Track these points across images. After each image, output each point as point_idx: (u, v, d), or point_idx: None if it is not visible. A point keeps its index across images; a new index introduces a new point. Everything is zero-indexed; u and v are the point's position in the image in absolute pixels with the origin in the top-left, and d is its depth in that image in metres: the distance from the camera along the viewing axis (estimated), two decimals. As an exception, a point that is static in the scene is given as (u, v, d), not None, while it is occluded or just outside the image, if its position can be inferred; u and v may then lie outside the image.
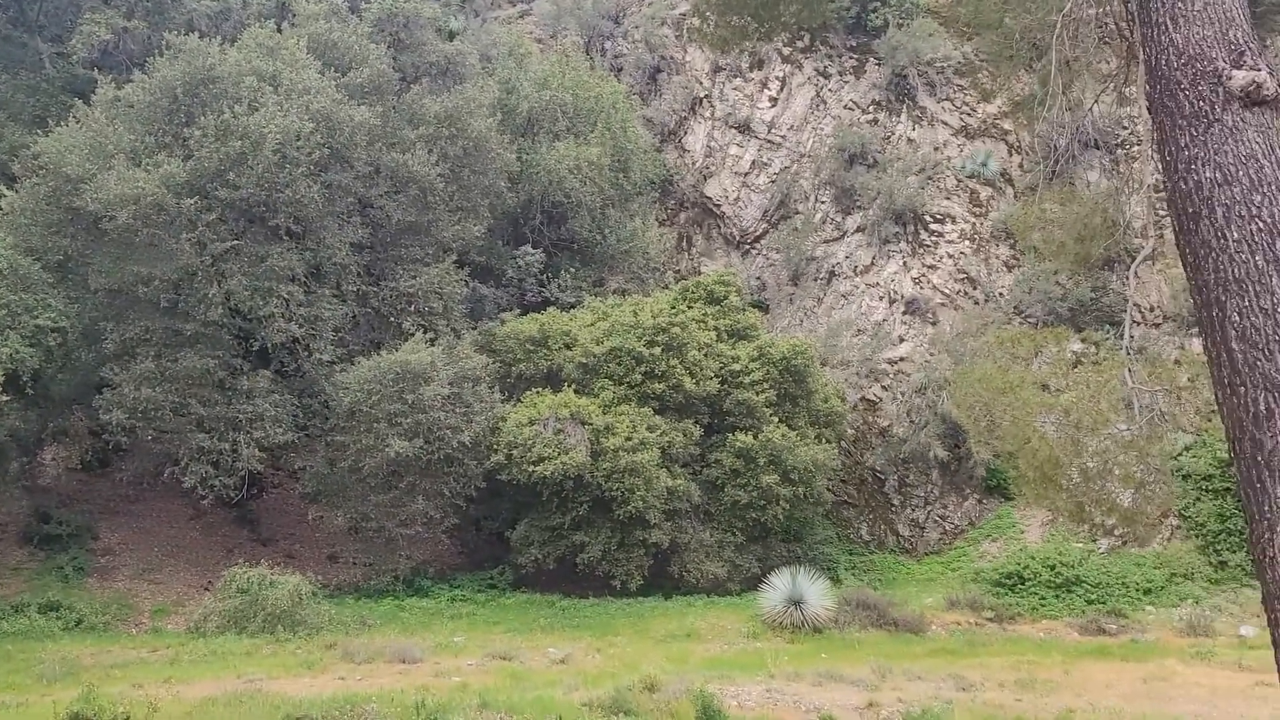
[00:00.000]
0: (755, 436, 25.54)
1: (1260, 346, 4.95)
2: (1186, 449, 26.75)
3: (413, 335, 25.30)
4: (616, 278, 32.28)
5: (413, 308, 26.78)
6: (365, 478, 24.28)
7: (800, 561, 24.86)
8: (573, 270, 31.11)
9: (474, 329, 28.14)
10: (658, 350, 25.80)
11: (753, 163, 35.66)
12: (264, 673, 17.19)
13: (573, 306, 29.48)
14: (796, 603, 21.96)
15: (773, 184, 35.19)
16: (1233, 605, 23.94)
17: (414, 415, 23.78)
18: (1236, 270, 5.08)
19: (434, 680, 16.66)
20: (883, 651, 20.25)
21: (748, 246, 35.23)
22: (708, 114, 36.67)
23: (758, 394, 26.30)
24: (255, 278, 24.14)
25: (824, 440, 26.96)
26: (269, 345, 24.82)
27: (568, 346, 27.10)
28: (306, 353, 25.22)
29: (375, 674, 17.39)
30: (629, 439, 24.33)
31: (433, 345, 25.17)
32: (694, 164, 36.36)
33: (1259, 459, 4.88)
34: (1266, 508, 4.84)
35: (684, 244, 36.42)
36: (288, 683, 16.27)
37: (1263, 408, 4.89)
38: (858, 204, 33.38)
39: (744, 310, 29.31)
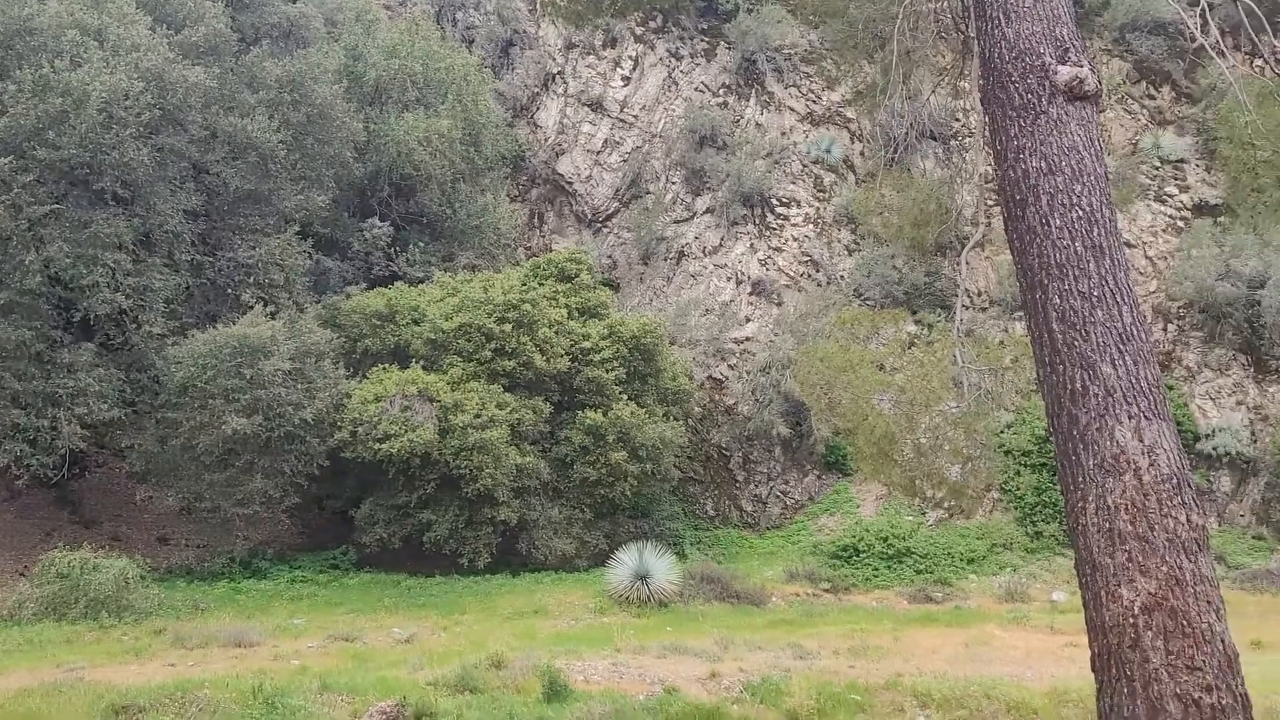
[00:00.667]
0: (605, 414, 25.71)
1: (1078, 327, 5.30)
2: (1009, 426, 28.39)
3: (252, 308, 24.30)
4: (467, 253, 31.83)
5: (252, 280, 25.71)
6: (199, 456, 23.25)
7: (647, 537, 25.21)
8: (422, 245, 30.49)
9: (318, 303, 27.27)
10: (508, 327, 25.61)
11: (605, 141, 35.71)
12: (86, 661, 16.27)
13: (421, 281, 28.93)
14: (643, 578, 22.27)
15: (625, 163, 35.34)
16: (1046, 573, 25.61)
17: (252, 391, 22.88)
18: (1058, 255, 5.42)
19: (272, 664, 16.13)
20: (726, 624, 20.75)
21: (599, 225, 35.31)
22: (560, 90, 36.48)
23: (608, 372, 26.46)
24: (78, 245, 22.67)
25: (672, 418, 27.37)
26: (92, 316, 23.39)
27: (416, 322, 26.59)
28: (135, 325, 23.89)
29: (209, 659, 16.71)
30: (478, 416, 24.10)
31: (273, 319, 24.24)
32: (546, 140, 36.14)
33: (1074, 433, 5.23)
34: (1080, 479, 5.20)
35: (536, 221, 36.23)
36: (113, 671, 15.45)
37: (1078, 385, 5.24)
38: (707, 185, 33.90)
39: (595, 288, 29.39)
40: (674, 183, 34.73)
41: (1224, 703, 4.73)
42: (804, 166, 34.05)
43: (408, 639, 18.82)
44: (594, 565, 25.01)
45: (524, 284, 27.31)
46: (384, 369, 25.24)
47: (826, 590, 25.37)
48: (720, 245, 33.33)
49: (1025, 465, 28.33)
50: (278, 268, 26.02)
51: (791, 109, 35.03)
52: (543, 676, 14.52)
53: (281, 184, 26.56)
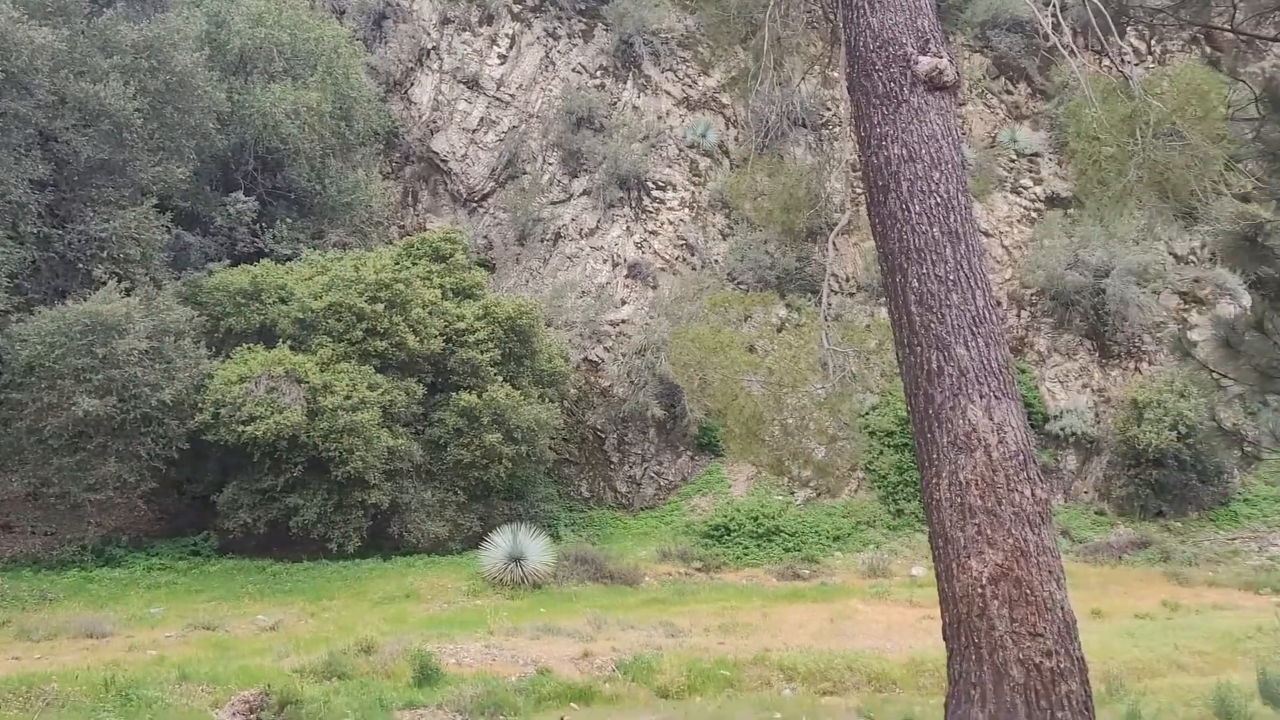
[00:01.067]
0: (479, 396, 25.46)
1: (935, 310, 5.51)
2: (873, 408, 29.34)
3: (105, 284, 23.13)
4: (337, 231, 30.99)
5: (105, 254, 24.45)
6: (46, 439, 22.06)
7: (522, 519, 25.13)
8: (289, 221, 29.54)
9: (177, 279, 26.14)
10: (380, 307, 25.08)
11: (481, 120, 35.23)
12: (-81, 656, 15.33)
13: (289, 259, 28.03)
14: (517, 560, 22.21)
15: (501, 142, 34.95)
16: (906, 549, 26.61)
17: (105, 371, 21.82)
18: (917, 240, 5.62)
19: (127, 655, 15.50)
20: (599, 604, 20.90)
21: (475, 204, 34.85)
22: (435, 66, 35.79)
23: (482, 353, 26.20)
24: (-91, 213, 21.21)
25: (547, 400, 27.31)
26: (-75, 290, 21.93)
27: (283, 301, 25.78)
28: (-26, 300, 22.49)
29: (58, 651, 15.94)
30: (348, 398, 23.56)
31: (129, 295, 23.13)
32: (421, 117, 35.42)
33: (930, 411, 5.45)
34: (935, 455, 5.42)
35: (409, 199, 35.52)
36: (-51, 666, 14.59)
37: (934, 365, 5.45)
38: (584, 167, 33.83)
39: (470, 269, 29.03)
40: (551, 164, 34.54)
41: (1062, 666, 5.02)
42: (680, 151, 34.32)
43: (273, 626, 18.33)
44: (468, 548, 24.80)
45: (397, 263, 26.77)
46: (249, 349, 24.41)
47: (698, 569, 25.78)
48: (597, 227, 33.34)
49: (888, 445, 29.31)
50: (133, 242, 24.81)
51: (668, 93, 35.23)
52: (414, 661, 14.38)
53: (138, 154, 25.31)
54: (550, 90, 35.22)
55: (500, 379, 26.20)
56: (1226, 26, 8.42)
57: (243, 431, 22.60)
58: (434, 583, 22.29)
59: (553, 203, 34.02)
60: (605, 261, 32.84)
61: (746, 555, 26.85)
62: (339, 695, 13.07)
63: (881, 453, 29.39)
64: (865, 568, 25.40)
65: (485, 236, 34.19)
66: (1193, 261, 32.15)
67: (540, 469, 28.43)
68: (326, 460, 23.46)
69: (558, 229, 33.56)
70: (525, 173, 34.53)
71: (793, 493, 28.66)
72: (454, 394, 25.72)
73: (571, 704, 13.20)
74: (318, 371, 23.91)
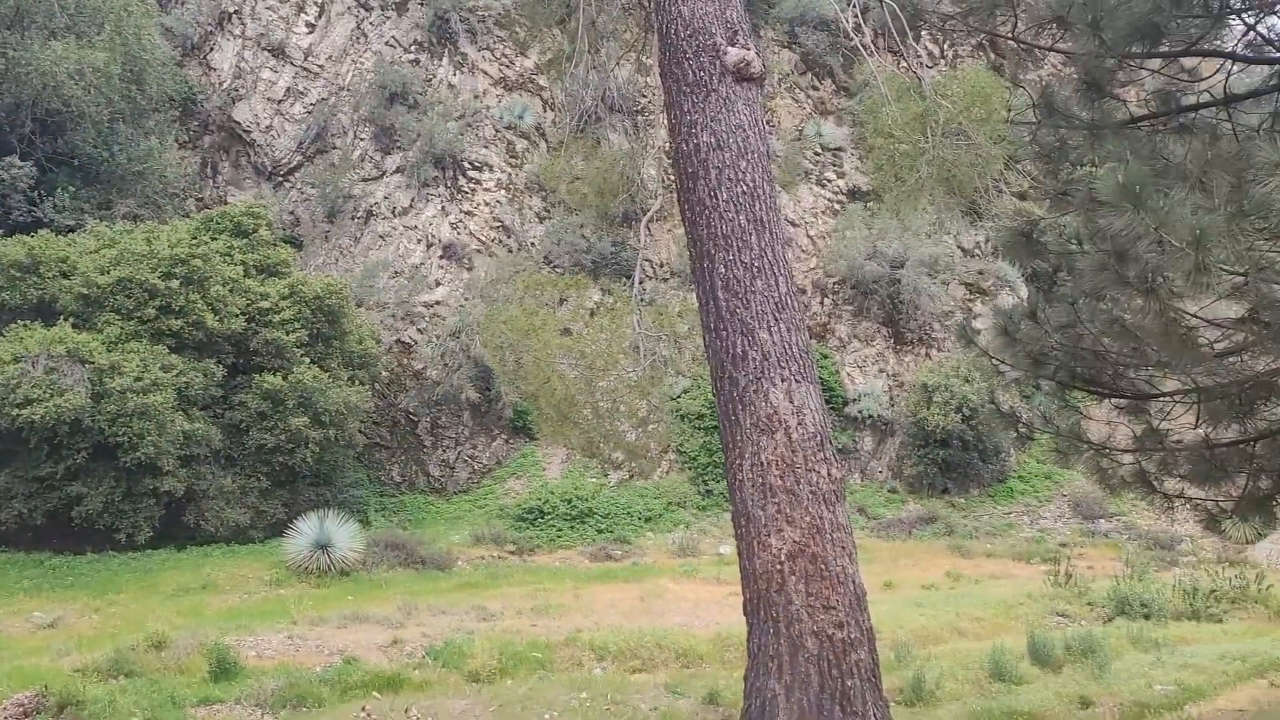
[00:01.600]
0: (285, 378, 24.47)
1: (740, 296, 5.68)
2: (684, 391, 30.02)
3: None
4: (127, 201, 29.02)
5: None
6: None
7: (330, 505, 24.37)
8: (73, 189, 27.46)
9: (-60, 249, 23.91)
10: (175, 283, 23.68)
11: (288, 90, 33.74)
12: None
13: (72, 230, 26.07)
14: (324, 547, 21.54)
15: (309, 115, 33.59)
16: (715, 528, 27.40)
17: None
18: (724, 227, 5.77)
19: (-121, 660, 14.10)
20: (410, 590, 20.55)
21: (281, 178, 33.39)
22: (238, 32, 34.00)
23: (288, 333, 25.18)
24: None
25: (357, 382, 26.54)
26: None
27: (65, 275, 23.95)
28: None
29: None
30: (139, 379, 22.15)
31: (-119, 265, 21.00)
32: (221, 84, 33.59)
33: (734, 394, 5.62)
34: (739, 437, 5.60)
35: (208, 170, 33.65)
36: None
37: (739, 349, 5.63)
38: (398, 144, 32.97)
39: (275, 245, 27.81)
40: (362, 139, 33.47)
41: (853, 637, 5.30)
42: (497, 131, 33.94)
43: (52, 624, 17.10)
44: (271, 536, 23.85)
45: (194, 238, 25.33)
46: (25, 326, 22.57)
47: (512, 552, 25.73)
48: (411, 206, 32.58)
49: (698, 428, 30.06)
50: (-112, 207, 22.53)
51: (485, 72, 34.74)
52: (210, 654, 13.71)
53: (-107, 110, 22.97)
54: (362, 63, 34.10)
55: (307, 360, 25.26)
56: (1009, 35, 9.03)
57: (17, 415, 20.91)
58: (233, 573, 21.33)
59: (364, 179, 33.01)
60: (419, 241, 32.16)
61: (560, 537, 26.98)
62: (126, 694, 12.32)
63: (692, 435, 30.11)
64: (675, 547, 25.99)
65: (292, 212, 32.83)
66: (977, 255, 34.41)
67: (349, 453, 27.63)
68: (114, 446, 22.01)
69: (369, 207, 32.60)
70: (335, 147, 33.34)
71: (606, 475, 28.99)
72: (257, 376, 24.62)
73: (374, 693, 12.91)
74: (104, 351, 22.37)
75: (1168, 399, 9.92)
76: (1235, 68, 9.03)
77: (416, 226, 32.30)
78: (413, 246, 32.08)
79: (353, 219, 32.54)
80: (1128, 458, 10.57)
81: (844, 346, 32.86)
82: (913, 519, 29.16)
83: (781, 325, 5.64)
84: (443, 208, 32.51)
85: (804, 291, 33.00)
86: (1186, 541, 26.83)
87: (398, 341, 30.71)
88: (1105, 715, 11.00)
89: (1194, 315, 8.66)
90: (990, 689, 13.71)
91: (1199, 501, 10.94)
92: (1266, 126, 8.78)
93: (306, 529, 21.84)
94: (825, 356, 32.01)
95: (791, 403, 5.51)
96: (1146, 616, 18.05)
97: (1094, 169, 9.08)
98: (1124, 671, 13.51)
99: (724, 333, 5.71)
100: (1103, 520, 28.68)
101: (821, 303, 33.20)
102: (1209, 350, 8.76)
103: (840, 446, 31.07)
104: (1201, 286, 7.11)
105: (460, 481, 30.15)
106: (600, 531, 27.28)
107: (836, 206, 34.81)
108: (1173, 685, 12.28)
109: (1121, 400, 10.29)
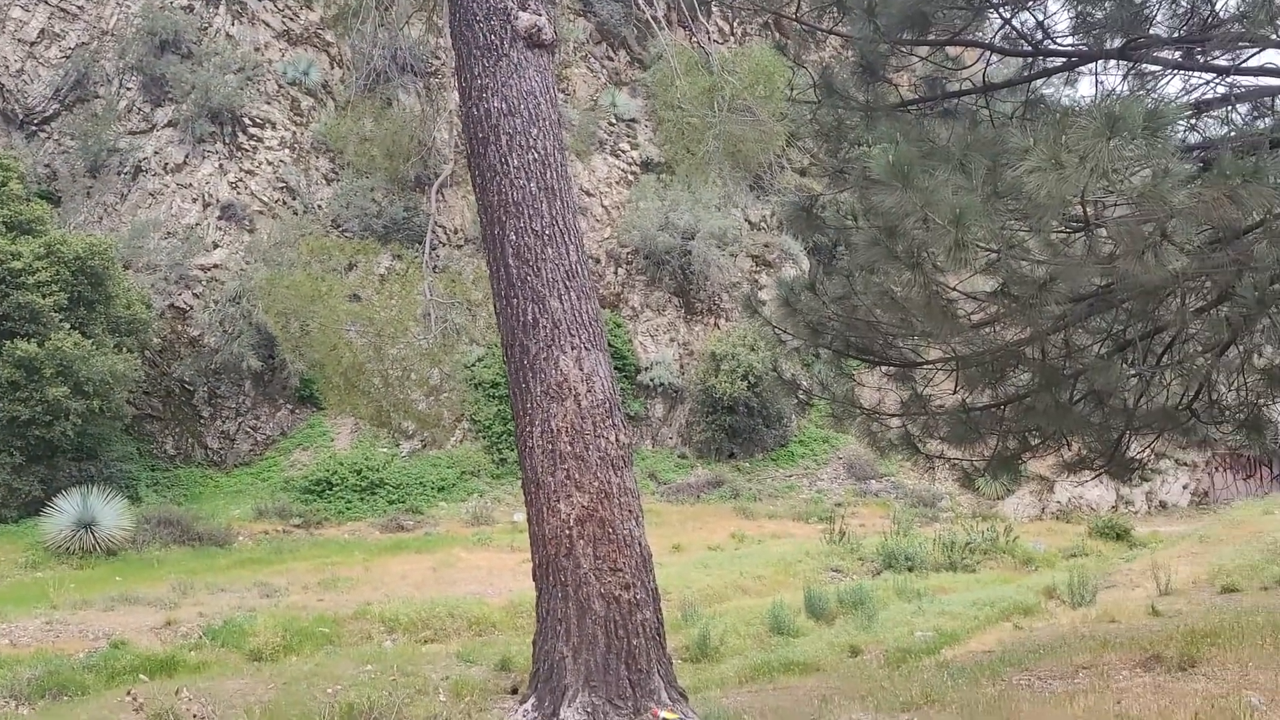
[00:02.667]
0: (41, 345, 22.56)
1: (531, 263, 5.68)
2: (478, 360, 29.73)
3: None
4: None
5: None
6: None
7: (94, 481, 22.73)
8: None
9: None
10: (-93, 239, 21.38)
11: (42, 31, 30.86)
12: None
13: None
14: (87, 525, 20.12)
15: (67, 60, 30.86)
16: (509, 496, 27.40)
17: None
18: (515, 194, 5.75)
19: None
20: (186, 568, 19.54)
21: (34, 128, 30.58)
22: (-19, -38, 30.79)
23: (44, 297, 23.20)
24: None
25: (125, 350, 24.80)
26: None
27: None
28: None
29: None
30: None
31: None
32: (-39, 20, 30.37)
33: (525, 361, 5.63)
34: (529, 404, 5.62)
35: (-54, 115, 30.41)
36: None
37: (530, 317, 5.64)
38: (170, 96, 30.80)
39: (29, 200, 25.48)
40: (129, 89, 31.08)
41: (639, 597, 5.46)
42: (280, 87, 32.28)
43: None
44: (26, 515, 22.06)
45: (-70, 189, 22.91)
46: None
47: (298, 526, 24.87)
48: (185, 163, 30.58)
49: (492, 396, 29.90)
50: None
51: (266, 24, 32.92)
52: (-48, 646, 12.58)
53: None
54: (128, 6, 31.59)
55: (67, 326, 23.37)
56: (793, 15, 9.37)
57: None
58: (-18, 556, 19.64)
59: (132, 133, 30.70)
60: (195, 201, 30.27)
61: (349, 509, 26.28)
62: None
63: (485, 403, 29.91)
64: (469, 516, 25.83)
65: (48, 165, 30.16)
66: (764, 228, 35.70)
67: (117, 426, 25.83)
68: None
69: (138, 162, 30.37)
70: (98, 96, 30.81)
71: (398, 444, 28.41)
72: (8, 342, 22.58)
73: (141, 675, 12.22)
74: None
75: (931, 367, 10.62)
76: (994, 58, 9.71)
77: (191, 185, 30.37)
78: (187, 206, 30.16)
79: (119, 175, 30.24)
80: (895, 421, 11.27)
81: (637, 316, 33.42)
82: (701, 483, 30.13)
83: (572, 293, 5.69)
84: (220, 166, 30.70)
85: (598, 261, 33.31)
86: (946, 499, 29.00)
87: (171, 307, 28.88)
88: (872, 661, 11.77)
89: (954, 289, 9.32)
90: (770, 642, 14.42)
91: (956, 461, 11.82)
92: (1019, 114, 9.53)
93: (67, 506, 20.33)
94: (618, 325, 32.47)
95: (581, 370, 5.57)
96: (910, 569, 19.43)
97: (868, 149, 9.59)
98: (890, 620, 14.51)
99: (515, 300, 5.70)
100: (874, 481, 30.57)
101: (615, 272, 33.60)
102: (966, 321, 9.44)
103: (632, 414, 31.66)
104: (960, 262, 7.65)
105: (241, 454, 28.79)
106: (392, 502, 26.75)
107: (630, 177, 35.23)
108: (931, 631, 13.28)
109: (891, 368, 10.93)
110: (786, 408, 31.46)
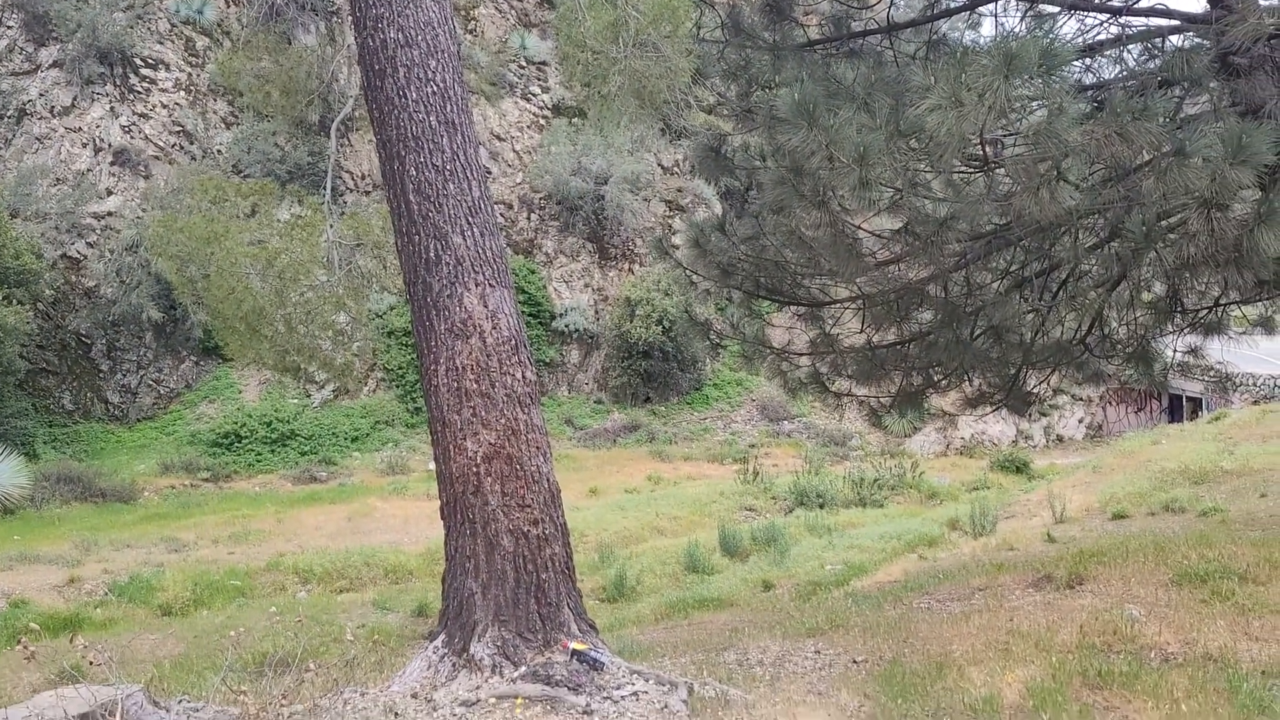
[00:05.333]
0: (-79, 297, 21.55)
1: (432, 199, 5.58)
2: (391, 308, 29.27)
3: None
4: None
5: None
6: None
7: (-14, 438, 21.94)
8: None
9: None
10: None
11: (-90, -37, 29.03)
12: None
13: None
14: (-19, 484, 19.45)
15: (-61, -6, 29.12)
16: (425, 445, 27.18)
17: None
18: (415, 128, 5.62)
19: None
20: (89, 525, 19.04)
21: (-95, 67, 28.87)
22: None
23: (-77, 247, 22.11)
24: None
25: (16, 302, 23.78)
26: None
27: None
28: None
29: None
30: None
31: None
32: None
33: (429, 299, 5.55)
34: (434, 343, 5.55)
35: None
36: None
37: (432, 254, 5.55)
38: (54, 35, 29.29)
39: (-99, 145, 24.15)
40: (10, 27, 29.45)
41: (547, 533, 5.48)
42: (173, 26, 30.92)
43: None
44: (-87, 476, 21.15)
45: None
46: None
47: (206, 480, 24.36)
48: (73, 106, 29.20)
49: (404, 344, 29.52)
50: None
51: (157, -42, 31.43)
52: None
53: None
54: (5, -63, 29.84)
55: (-50, 277, 22.34)
56: (699, -46, 9.28)
57: None
58: None
59: (14, 74, 29.15)
60: (85, 146, 28.99)
61: (260, 462, 25.81)
62: None
63: (398, 351, 29.52)
64: (384, 466, 25.59)
65: (-78, 107, 28.55)
66: (677, 173, 35.63)
67: (10, 381, 24.84)
68: None
69: (22, 105, 28.90)
70: (-25, 34, 29.18)
71: (308, 395, 27.92)
72: (-114, 295, 21.52)
73: (32, 624, 11.90)
74: None
75: (838, 306, 10.79)
76: (898, -1, 9.78)
77: (81, 129, 29.05)
78: (77, 151, 28.87)
79: (2, 118, 28.77)
80: (804, 360, 11.45)
81: (551, 262, 33.20)
82: (617, 428, 30.31)
83: (475, 229, 5.61)
84: (112, 109, 29.40)
85: (510, 207, 32.92)
86: (856, 438, 29.68)
87: (64, 257, 27.74)
88: (784, 595, 12.06)
89: (859, 228, 9.45)
90: (686, 581, 14.67)
91: (864, 399, 12.08)
92: (922, 55, 9.64)
93: (-40, 466, 19.61)
94: (532, 272, 32.23)
95: (486, 307, 5.51)
96: (821, 506, 19.91)
97: (775, 88, 9.61)
98: (801, 555, 14.87)
99: (416, 237, 5.60)
100: (786, 422, 31.11)
101: (528, 218, 33.27)
102: (872, 260, 9.60)
103: (548, 360, 31.59)
104: (865, 201, 7.76)
105: (144, 408, 27.98)
106: (304, 454, 26.34)
107: (541, 122, 34.76)
108: (841, 565, 13.66)
109: (799, 308, 11.06)
110: (700, 351, 31.72)
